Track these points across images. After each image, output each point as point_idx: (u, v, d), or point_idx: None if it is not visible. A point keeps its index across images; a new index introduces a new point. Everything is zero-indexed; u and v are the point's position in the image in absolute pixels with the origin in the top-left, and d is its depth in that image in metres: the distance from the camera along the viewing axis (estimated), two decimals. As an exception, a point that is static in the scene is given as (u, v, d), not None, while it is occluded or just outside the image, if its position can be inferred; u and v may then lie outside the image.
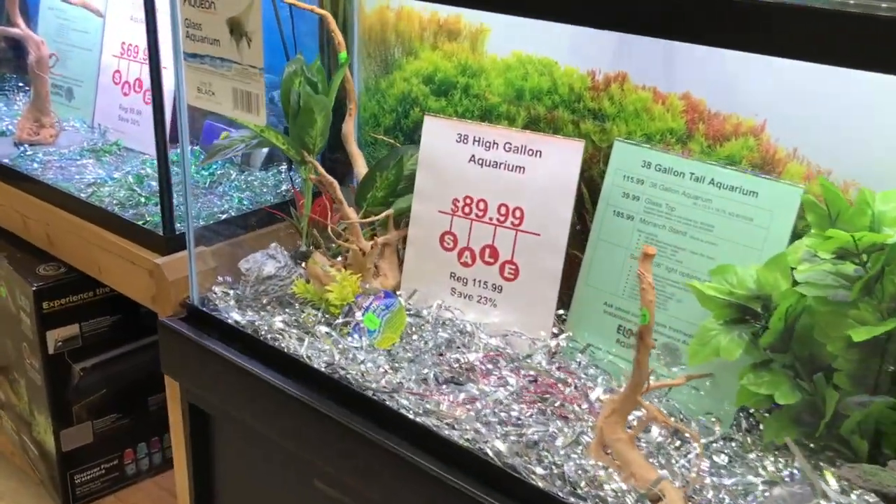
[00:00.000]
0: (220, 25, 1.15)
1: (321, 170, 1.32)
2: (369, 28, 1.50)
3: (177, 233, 1.48)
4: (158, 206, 1.58)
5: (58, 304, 1.65)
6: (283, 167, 1.77)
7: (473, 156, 1.29)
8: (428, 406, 1.13)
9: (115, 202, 1.60)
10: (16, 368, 1.82)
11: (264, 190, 1.69)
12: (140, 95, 1.92)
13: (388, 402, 1.15)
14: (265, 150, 1.78)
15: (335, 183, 1.31)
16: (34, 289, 1.62)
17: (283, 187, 1.69)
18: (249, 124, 1.33)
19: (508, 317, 1.28)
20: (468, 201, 1.30)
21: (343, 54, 1.39)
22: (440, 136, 1.31)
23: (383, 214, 1.34)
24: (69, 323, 1.68)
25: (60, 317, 1.67)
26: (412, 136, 1.50)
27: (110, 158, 1.86)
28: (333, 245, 1.47)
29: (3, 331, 1.84)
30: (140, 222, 1.53)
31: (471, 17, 1.36)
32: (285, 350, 1.27)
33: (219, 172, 1.77)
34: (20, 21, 1.86)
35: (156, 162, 1.77)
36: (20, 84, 2.36)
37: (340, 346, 1.25)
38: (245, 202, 1.63)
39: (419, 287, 1.35)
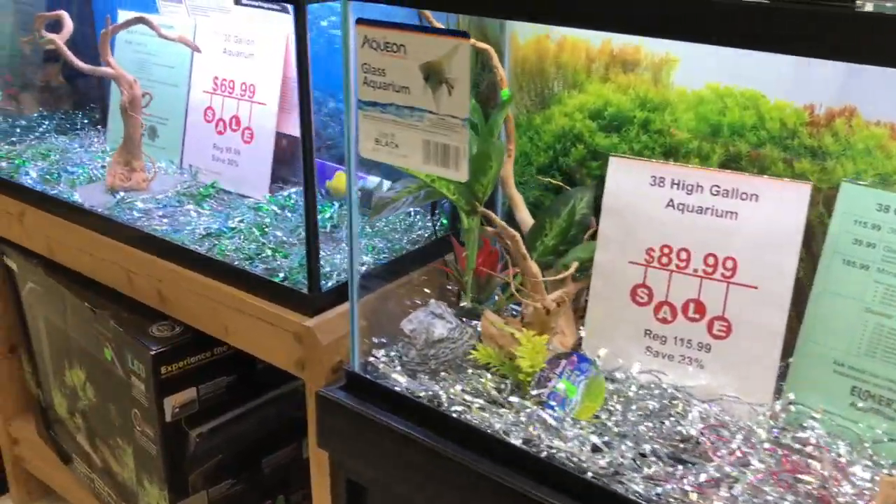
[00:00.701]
0: (411, 71, 1.02)
1: (500, 222, 1.19)
2: (522, 60, 1.38)
3: (322, 290, 1.35)
4: (289, 259, 1.46)
5: (176, 367, 1.52)
6: (411, 209, 1.64)
7: (672, 200, 1.17)
8: (668, 492, 1.00)
9: (242, 256, 1.47)
10: (120, 435, 1.68)
11: (396, 236, 1.56)
12: (238, 134, 1.79)
13: (613, 487, 1.03)
14: (371, 189, 1.65)
15: (517, 236, 1.19)
16: (152, 353, 1.49)
17: (415, 232, 1.57)
18: (417, 174, 1.20)
19: (720, 379, 1.16)
20: (666, 251, 1.18)
21: (506, 91, 1.27)
22: (629, 178, 1.19)
23: (572, 269, 1.21)
24: (187, 387, 1.55)
25: (178, 381, 1.53)
26: (573, 177, 1.38)
27: (213, 203, 1.73)
28: (497, 299, 1.35)
29: (107, 395, 1.70)
30: (276, 278, 1.40)
31: (654, 47, 1.24)
32: (472, 423, 1.14)
33: (337, 216, 1.64)
34: (111, 59, 1.72)
35: (269, 207, 1.66)
36: (87, 120, 2.23)
37: (536, 418, 1.13)
38: (382, 251, 1.50)
39: (607, 346, 1.23)
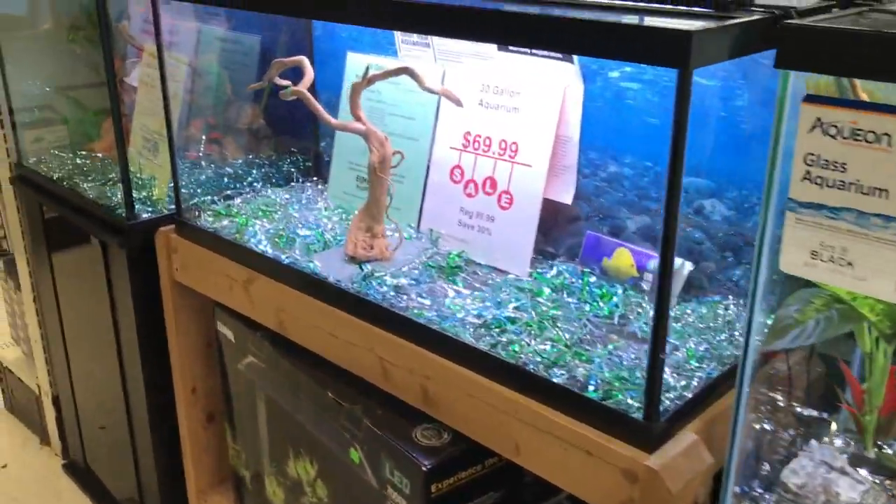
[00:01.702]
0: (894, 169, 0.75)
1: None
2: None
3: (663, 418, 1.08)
4: (594, 365, 1.20)
5: (447, 484, 1.28)
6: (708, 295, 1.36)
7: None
8: None
9: (529, 352, 1.22)
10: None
11: (718, 337, 1.28)
12: (492, 198, 1.55)
13: None
14: (685, 274, 1.38)
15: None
16: (425, 468, 1.26)
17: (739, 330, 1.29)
18: (836, 290, 0.92)
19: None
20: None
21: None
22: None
23: None
24: (455, 505, 1.31)
25: (448, 499, 1.29)
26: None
27: (470, 279, 1.50)
28: None
29: (346, 501, 1.48)
30: (591, 393, 1.14)
31: None
32: None
33: (623, 304, 1.38)
34: (361, 114, 1.52)
35: (542, 289, 1.41)
36: (295, 168, 2.05)
37: None
38: (707, 357, 1.23)
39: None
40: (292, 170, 2.05)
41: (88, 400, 2.40)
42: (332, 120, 1.50)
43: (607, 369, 1.20)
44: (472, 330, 1.32)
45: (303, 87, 1.55)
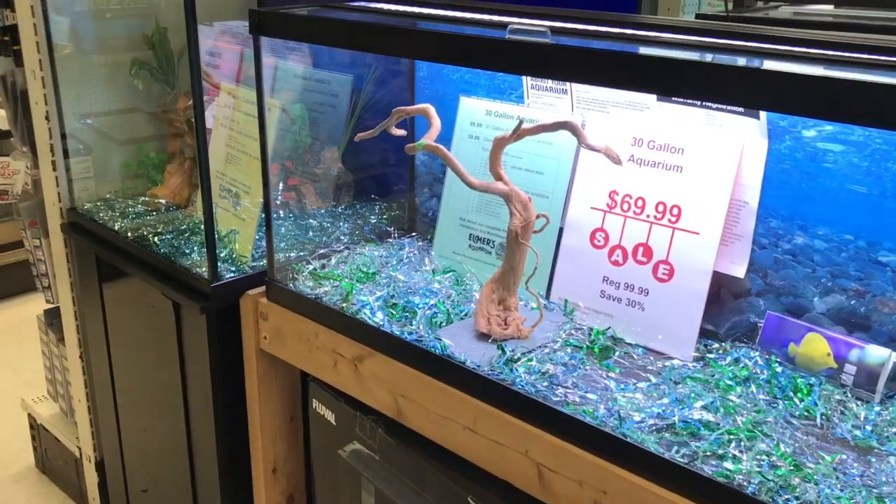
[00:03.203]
0: None
1: None
2: None
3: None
4: (819, 487, 1.00)
5: None
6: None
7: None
8: None
9: (758, 482, 1.02)
10: None
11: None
12: (646, 268, 1.35)
13: None
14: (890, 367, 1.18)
15: None
16: None
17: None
18: None
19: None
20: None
21: None
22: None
23: None
24: None
25: None
26: None
27: (627, 364, 1.29)
28: None
29: None
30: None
31: None
32: None
33: (824, 404, 1.17)
34: (503, 172, 1.32)
35: (722, 381, 1.21)
36: (385, 217, 1.85)
37: None
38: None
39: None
40: (384, 222, 1.85)
41: (140, 468, 2.18)
42: (474, 180, 1.30)
43: (840, 491, 0.99)
44: (655, 434, 1.11)
45: (429, 138, 1.36)
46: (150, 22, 2.09)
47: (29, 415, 2.68)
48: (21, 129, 2.22)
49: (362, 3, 1.55)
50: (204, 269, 1.68)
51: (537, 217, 1.33)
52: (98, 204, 2.06)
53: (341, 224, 1.83)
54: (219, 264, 1.67)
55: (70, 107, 2.08)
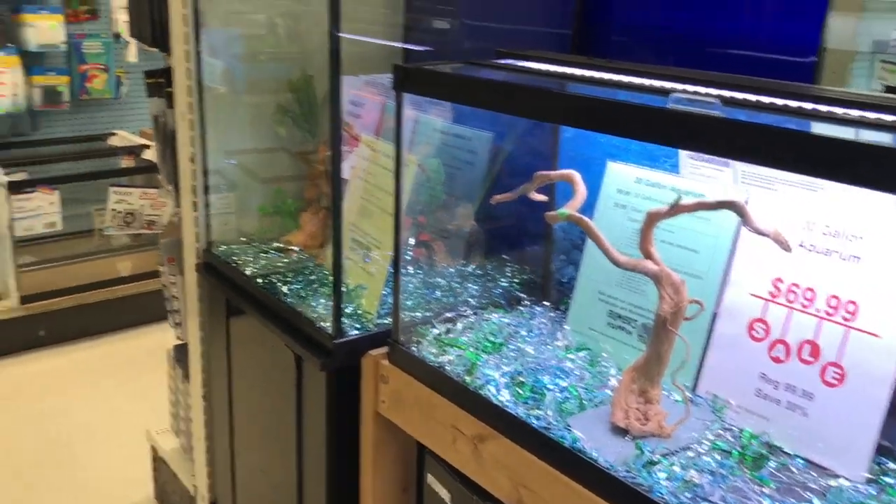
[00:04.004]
0: None
1: None
2: None
3: None
4: None
5: None
6: None
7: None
8: None
9: None
10: None
11: None
12: (813, 368, 1.19)
13: None
14: None
15: None
16: None
17: None
18: None
19: None
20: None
21: None
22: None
23: None
24: None
25: None
26: None
27: (784, 479, 1.13)
28: None
29: None
30: None
31: None
32: None
33: None
34: (653, 250, 1.20)
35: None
36: (517, 282, 1.75)
37: None
38: None
39: None
40: (515, 287, 1.75)
41: (251, 515, 2.14)
42: (620, 257, 1.19)
43: None
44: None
45: (573, 207, 1.25)
46: (298, 67, 2.10)
47: (152, 446, 2.71)
48: (168, 168, 2.27)
49: (510, 62, 1.47)
50: (329, 323, 1.63)
51: (690, 303, 1.20)
52: (232, 246, 2.06)
53: (470, 285, 1.74)
54: (343, 320, 1.62)
55: (214, 144, 2.10)
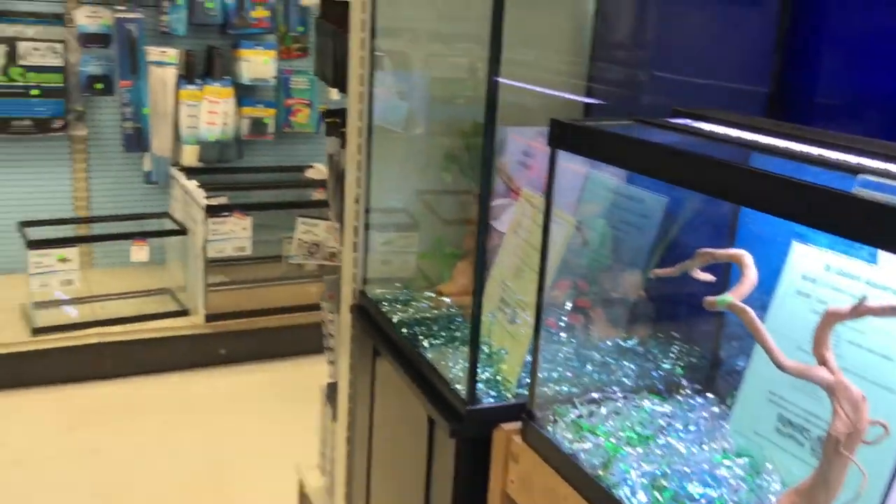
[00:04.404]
0: None
1: None
2: None
3: None
4: None
5: None
6: None
7: None
8: None
9: None
10: None
11: None
12: None
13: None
14: None
15: None
16: None
17: None
18: None
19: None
20: None
21: None
22: None
23: None
24: None
25: None
26: None
27: None
28: None
29: None
30: None
31: None
32: None
33: None
34: (829, 355, 1.00)
35: None
36: (680, 363, 1.56)
37: None
38: None
39: None
40: (676, 371, 1.57)
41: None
42: (786, 361, 1.00)
43: None
44: None
45: (738, 295, 1.08)
46: (472, 115, 2.04)
47: (300, 480, 2.72)
48: (337, 206, 2.28)
49: (684, 122, 1.31)
50: (464, 386, 1.52)
51: (871, 423, 0.98)
52: (385, 292, 2.02)
53: (626, 363, 1.58)
54: (480, 385, 1.51)
55: (379, 186, 2.08)
